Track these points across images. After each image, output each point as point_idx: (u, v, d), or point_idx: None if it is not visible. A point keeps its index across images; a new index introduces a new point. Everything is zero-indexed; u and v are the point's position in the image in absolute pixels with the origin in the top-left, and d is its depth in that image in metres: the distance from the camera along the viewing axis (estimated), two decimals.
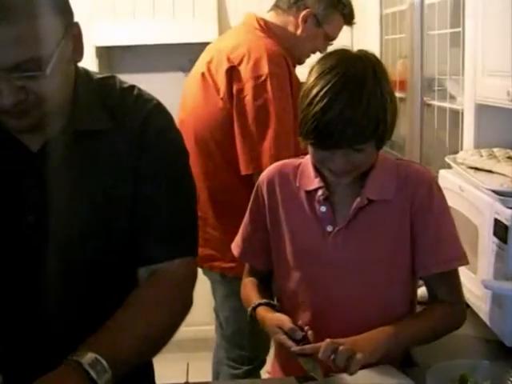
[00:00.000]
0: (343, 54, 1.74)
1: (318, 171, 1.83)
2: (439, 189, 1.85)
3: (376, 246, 1.81)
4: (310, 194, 1.84)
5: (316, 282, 1.86)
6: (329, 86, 1.64)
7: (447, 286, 1.87)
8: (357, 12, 4.09)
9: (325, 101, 1.63)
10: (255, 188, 1.96)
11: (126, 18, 4.31)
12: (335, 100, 1.62)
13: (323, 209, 1.82)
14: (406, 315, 1.86)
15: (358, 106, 1.63)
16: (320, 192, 1.81)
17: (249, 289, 2.01)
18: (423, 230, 1.80)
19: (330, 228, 1.81)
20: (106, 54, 4.52)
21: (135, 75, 4.77)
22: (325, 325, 1.81)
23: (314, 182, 1.83)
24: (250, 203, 1.99)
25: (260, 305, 1.89)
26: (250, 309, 1.91)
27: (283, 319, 1.78)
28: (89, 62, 4.15)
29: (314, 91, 1.65)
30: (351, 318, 1.81)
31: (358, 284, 1.82)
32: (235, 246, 2.05)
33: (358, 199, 1.78)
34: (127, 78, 4.17)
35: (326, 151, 1.69)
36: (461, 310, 1.87)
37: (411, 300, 1.91)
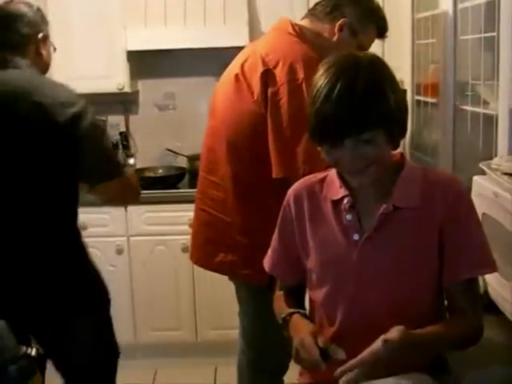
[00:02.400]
0: (341, 54, 1.81)
1: (344, 180, 1.85)
2: (468, 197, 1.86)
3: (403, 254, 1.80)
4: (337, 203, 1.87)
5: (343, 291, 1.85)
6: (325, 81, 1.69)
7: (470, 294, 1.86)
8: (389, 17, 4.08)
9: (322, 95, 1.68)
10: (284, 203, 2.01)
11: (157, 23, 4.33)
12: (331, 92, 1.67)
13: (349, 217, 1.83)
14: (434, 321, 1.82)
15: (354, 92, 1.66)
16: (345, 200, 1.83)
17: (280, 301, 2.05)
18: (452, 238, 1.80)
19: (356, 236, 1.82)
20: (138, 58, 4.55)
21: (166, 80, 4.82)
22: (351, 335, 1.82)
23: (340, 191, 1.86)
24: (280, 218, 2.03)
25: (291, 315, 1.92)
26: (281, 319, 1.95)
27: (305, 335, 1.78)
28: (120, 67, 4.19)
29: (314, 91, 1.72)
30: (378, 329, 1.78)
31: (386, 293, 1.81)
32: (266, 260, 2.10)
33: (384, 206, 1.78)
34: (158, 83, 4.20)
35: (336, 148, 1.71)
36: (480, 326, 1.84)
37: (439, 311, 1.90)
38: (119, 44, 4.29)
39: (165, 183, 4.47)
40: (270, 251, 2.09)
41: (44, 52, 2.69)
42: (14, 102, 2.45)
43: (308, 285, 2.00)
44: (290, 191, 1.99)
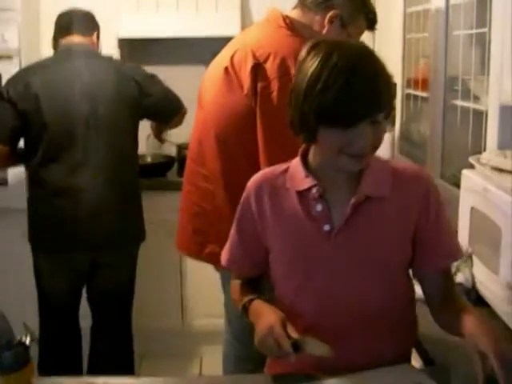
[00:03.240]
0: (332, 40, 1.79)
1: (309, 171, 1.83)
2: (437, 188, 1.88)
3: (375, 243, 1.81)
4: (302, 194, 1.83)
5: (315, 283, 1.83)
6: (340, 64, 1.65)
7: (452, 280, 1.94)
8: (380, 10, 4.09)
9: (343, 79, 1.64)
10: (242, 199, 1.96)
11: (149, 11, 4.33)
12: (353, 75, 1.64)
13: (319, 207, 1.80)
14: (408, 312, 1.91)
15: (377, 73, 1.68)
16: (314, 190, 1.80)
17: (238, 289, 2.00)
18: (428, 230, 1.83)
19: (327, 227, 1.79)
20: (129, 45, 4.54)
21: (157, 67, 4.78)
22: (321, 328, 1.81)
23: (306, 182, 1.82)
24: (238, 212, 1.98)
25: (251, 300, 1.89)
26: (241, 306, 1.91)
27: (274, 323, 1.71)
28: (112, 54, 4.19)
29: (325, 75, 1.66)
30: (349, 320, 1.81)
31: (359, 283, 1.81)
32: (223, 255, 2.04)
33: (356, 195, 1.78)
34: (149, 70, 4.19)
35: (349, 130, 1.67)
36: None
37: (411, 297, 1.93)
38: (111, 31, 4.28)
39: (153, 171, 4.47)
40: (227, 245, 2.02)
41: None
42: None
43: (273, 278, 1.95)
44: (250, 185, 1.94)
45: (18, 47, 4.06)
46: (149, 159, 4.70)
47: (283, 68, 2.56)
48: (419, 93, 3.38)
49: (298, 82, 1.74)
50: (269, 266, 1.94)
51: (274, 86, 2.56)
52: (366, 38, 3.45)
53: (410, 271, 1.92)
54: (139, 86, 3.59)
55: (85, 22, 3.65)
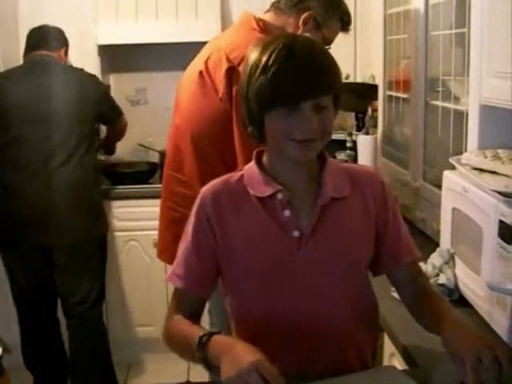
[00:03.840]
0: (273, 35, 1.78)
1: (270, 176, 1.77)
2: (389, 188, 1.89)
3: (344, 244, 1.79)
4: (265, 200, 1.76)
5: (286, 290, 1.76)
6: (280, 48, 1.65)
7: (422, 275, 1.94)
8: (360, 12, 4.10)
9: (280, 60, 1.63)
10: (196, 209, 1.82)
11: (128, 17, 4.32)
12: (290, 56, 1.64)
13: (286, 213, 1.74)
14: (373, 308, 1.90)
15: (315, 54, 1.66)
16: (280, 196, 1.74)
17: (183, 324, 1.78)
18: (388, 228, 1.84)
19: (296, 233, 1.74)
20: (109, 52, 4.53)
21: (137, 74, 4.80)
22: (293, 333, 1.75)
23: (269, 187, 1.76)
24: (192, 227, 1.81)
25: (211, 335, 1.63)
26: (201, 340, 1.63)
27: (261, 359, 1.49)
28: (91, 61, 4.17)
29: (264, 60, 1.65)
30: (324, 323, 1.77)
31: (334, 284, 1.78)
32: (176, 277, 1.84)
33: (322, 197, 1.75)
34: (129, 77, 4.18)
35: (292, 114, 1.64)
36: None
37: (372, 292, 1.91)
38: (90, 38, 4.27)
39: (136, 178, 4.45)
40: (180, 267, 1.82)
41: None
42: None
43: (232, 290, 1.84)
44: (205, 195, 1.81)
45: None
46: (131, 166, 4.68)
47: None
48: (401, 94, 3.37)
49: (243, 75, 1.74)
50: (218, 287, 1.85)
51: None
52: (347, 40, 3.46)
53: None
54: (97, 98, 3.84)
55: (52, 38, 3.86)
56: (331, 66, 1.69)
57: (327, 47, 2.79)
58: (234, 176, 1.83)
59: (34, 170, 3.61)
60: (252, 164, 1.83)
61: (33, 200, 3.59)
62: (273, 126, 1.69)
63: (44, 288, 3.83)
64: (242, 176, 1.82)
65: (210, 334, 1.63)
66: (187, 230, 1.83)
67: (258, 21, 2.76)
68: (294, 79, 1.62)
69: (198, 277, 1.82)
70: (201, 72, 2.71)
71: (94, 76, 3.98)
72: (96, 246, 3.87)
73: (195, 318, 1.82)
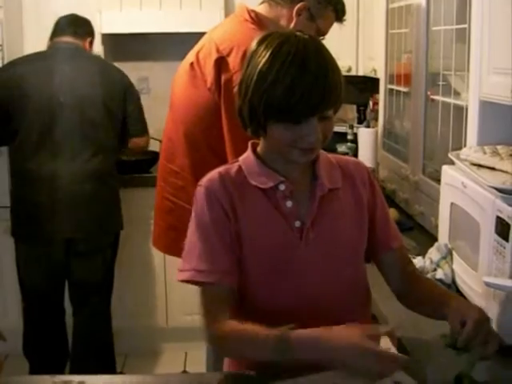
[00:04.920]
0: (282, 32, 1.75)
1: (270, 167, 1.79)
2: (374, 176, 1.94)
3: (342, 233, 1.83)
4: (268, 191, 1.78)
5: (288, 279, 1.79)
6: (292, 57, 1.64)
7: (409, 260, 1.99)
8: (363, 5, 4.10)
9: (292, 74, 1.62)
10: (207, 200, 1.78)
11: (132, 6, 4.33)
12: (303, 70, 1.62)
13: (289, 204, 1.77)
14: (367, 291, 1.93)
15: (327, 69, 1.65)
16: (283, 187, 1.77)
17: (250, 329, 1.67)
18: (378, 214, 1.89)
19: (297, 224, 1.77)
20: (112, 41, 4.53)
21: (140, 63, 4.80)
22: (300, 318, 1.72)
23: (272, 178, 1.78)
24: (209, 218, 1.76)
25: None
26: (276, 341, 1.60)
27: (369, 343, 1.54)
28: (95, 49, 4.18)
29: (275, 69, 1.64)
30: (324, 310, 1.78)
31: (333, 272, 1.81)
32: (200, 273, 1.75)
33: (320, 188, 1.79)
34: (132, 67, 4.18)
35: (299, 125, 1.66)
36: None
37: (366, 276, 1.94)
38: (94, 27, 4.26)
39: (137, 167, 4.46)
40: (203, 262, 1.75)
41: None
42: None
43: (246, 285, 1.79)
44: (213, 181, 1.80)
45: (1, 43, 4.07)
46: (132, 155, 4.67)
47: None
48: (401, 88, 3.38)
49: (247, 74, 1.73)
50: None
51: (237, 78, 2.55)
52: (348, 33, 3.46)
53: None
54: (121, 90, 3.79)
55: (78, 26, 3.81)
56: (339, 80, 1.69)
57: (321, 38, 2.80)
58: (231, 167, 1.84)
59: (53, 160, 3.60)
60: (248, 155, 1.84)
61: (54, 191, 3.60)
62: (277, 134, 1.70)
63: (56, 278, 3.85)
64: (239, 167, 1.83)
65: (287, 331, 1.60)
66: (199, 223, 1.79)
67: (250, 12, 2.76)
68: (306, 97, 1.62)
69: (229, 268, 1.76)
70: (192, 64, 2.73)
71: (120, 70, 3.93)
72: (112, 236, 3.91)
73: (233, 311, 1.76)
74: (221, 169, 1.84)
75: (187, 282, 1.78)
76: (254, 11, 2.77)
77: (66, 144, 3.60)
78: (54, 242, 3.70)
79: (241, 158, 1.86)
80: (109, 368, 3.91)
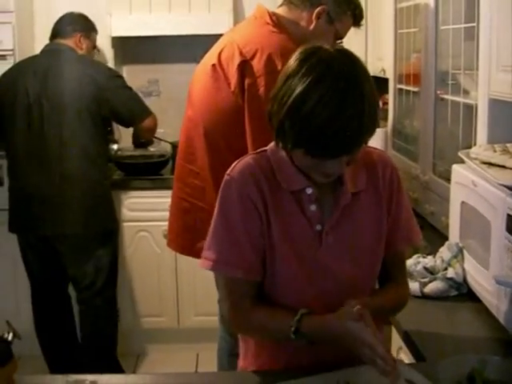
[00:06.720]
0: (325, 56, 1.66)
1: (300, 169, 1.76)
2: (398, 171, 1.90)
3: (361, 238, 1.83)
4: (295, 193, 1.78)
5: (308, 282, 1.80)
6: (329, 94, 1.56)
7: (403, 264, 1.99)
8: (372, 5, 4.10)
9: (329, 111, 1.56)
10: (237, 193, 1.79)
11: (142, 10, 4.35)
12: (340, 110, 1.56)
13: (313, 207, 1.78)
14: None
15: (363, 110, 1.58)
16: (310, 191, 1.77)
17: (278, 312, 1.79)
18: (398, 210, 1.87)
19: (318, 227, 1.78)
20: (122, 44, 4.55)
21: (150, 66, 4.82)
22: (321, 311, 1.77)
23: (300, 181, 1.77)
24: (239, 213, 1.78)
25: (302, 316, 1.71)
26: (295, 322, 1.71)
27: (374, 340, 1.61)
28: (105, 52, 4.20)
29: (312, 102, 1.57)
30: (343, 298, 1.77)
31: (349, 274, 1.82)
32: (225, 265, 1.79)
33: (344, 196, 1.78)
34: (142, 69, 4.19)
35: (329, 160, 1.64)
36: (407, 293, 1.98)
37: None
38: (104, 30, 4.29)
39: (148, 169, 4.47)
40: (229, 254, 1.78)
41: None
42: None
43: (272, 282, 1.83)
44: (244, 173, 1.80)
45: (13, 48, 4.11)
46: (143, 158, 4.69)
47: (270, 65, 2.56)
48: (411, 87, 3.38)
49: (283, 92, 1.64)
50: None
51: (261, 82, 2.56)
52: (358, 33, 3.46)
53: None
54: (98, 88, 3.79)
55: (66, 25, 3.90)
56: (375, 118, 1.64)
57: (339, 42, 2.81)
58: (260, 159, 1.82)
59: (37, 161, 3.75)
60: (278, 150, 1.78)
61: (35, 190, 3.75)
62: (304, 159, 1.68)
63: (53, 271, 3.98)
64: (268, 159, 1.81)
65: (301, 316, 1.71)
66: (227, 216, 1.80)
67: (272, 15, 2.76)
68: (340, 137, 1.57)
69: (254, 264, 1.79)
70: (213, 65, 2.72)
71: (110, 69, 3.99)
72: (99, 236, 3.92)
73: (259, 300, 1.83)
74: (250, 160, 1.83)
75: (211, 270, 1.82)
76: (275, 14, 2.78)
77: (47, 154, 3.74)
78: (39, 238, 3.86)
79: (269, 149, 1.83)
80: (113, 367, 3.98)
